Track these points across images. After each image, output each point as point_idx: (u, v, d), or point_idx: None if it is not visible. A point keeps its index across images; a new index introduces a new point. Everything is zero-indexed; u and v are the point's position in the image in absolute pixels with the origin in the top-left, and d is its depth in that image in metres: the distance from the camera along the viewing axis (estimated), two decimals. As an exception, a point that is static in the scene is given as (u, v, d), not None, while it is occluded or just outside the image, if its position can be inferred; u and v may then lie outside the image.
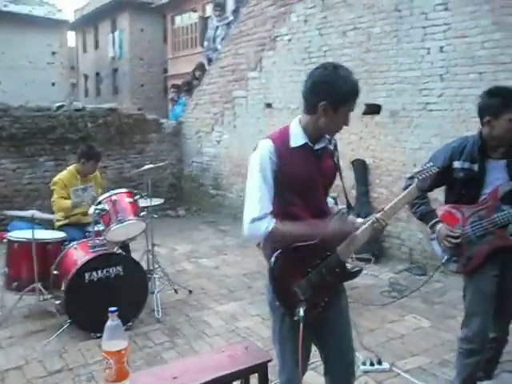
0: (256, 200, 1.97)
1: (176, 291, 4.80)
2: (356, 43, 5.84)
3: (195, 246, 6.58)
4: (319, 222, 2.02)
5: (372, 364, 3.33)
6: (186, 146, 9.07)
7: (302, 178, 2.03)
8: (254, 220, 1.95)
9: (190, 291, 4.84)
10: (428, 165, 2.18)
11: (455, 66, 4.93)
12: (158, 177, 8.48)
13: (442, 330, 3.89)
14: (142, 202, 4.55)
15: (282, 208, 2.04)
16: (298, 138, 2.04)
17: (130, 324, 3.96)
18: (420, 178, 2.10)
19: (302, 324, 1.97)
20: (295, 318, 2.02)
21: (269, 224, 1.95)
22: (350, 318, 2.27)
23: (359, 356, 3.38)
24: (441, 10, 4.99)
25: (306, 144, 2.04)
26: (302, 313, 1.99)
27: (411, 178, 2.69)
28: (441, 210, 2.81)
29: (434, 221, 2.76)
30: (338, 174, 2.19)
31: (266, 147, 2.02)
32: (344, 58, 5.90)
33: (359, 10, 5.75)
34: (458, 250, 2.71)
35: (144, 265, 4.47)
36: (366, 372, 3.29)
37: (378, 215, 2.07)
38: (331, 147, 2.15)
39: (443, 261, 2.80)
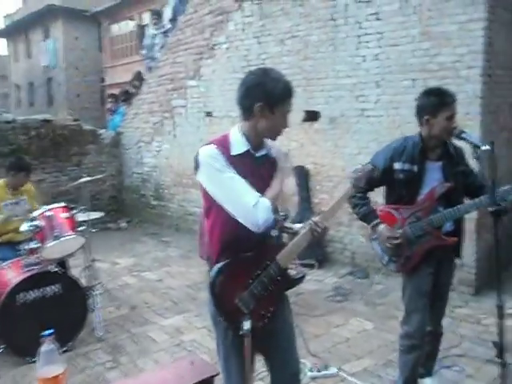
0: (241, 193, 1.92)
1: (118, 307, 4.63)
2: (294, 51, 5.91)
3: (138, 259, 6.41)
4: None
5: (319, 370, 3.34)
6: (126, 156, 8.85)
7: None
8: (256, 205, 1.90)
9: (133, 306, 4.69)
10: (365, 164, 2.24)
11: (389, 73, 5.10)
12: (98, 189, 8.22)
13: (385, 330, 3.98)
14: (81, 216, 4.37)
15: (222, 217, 1.99)
16: (239, 146, 2.01)
17: (69, 344, 3.78)
18: (355, 176, 2.12)
19: (247, 339, 1.92)
20: (240, 333, 1.96)
21: (264, 201, 1.92)
22: (296, 325, 2.26)
23: (306, 363, 3.39)
24: (373, 19, 5.15)
25: (247, 151, 2.01)
26: (246, 327, 1.94)
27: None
28: (380, 210, 2.88)
29: (375, 221, 2.82)
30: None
31: (212, 150, 1.97)
32: (283, 65, 5.96)
33: (296, 19, 5.83)
34: (398, 250, 2.78)
35: (83, 281, 4.29)
36: (313, 378, 3.30)
37: (316, 218, 2.07)
38: (272, 155, 2.13)
39: (383, 261, 2.87)
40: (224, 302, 2.02)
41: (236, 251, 2.01)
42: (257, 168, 2.04)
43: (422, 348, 2.84)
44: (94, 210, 4.70)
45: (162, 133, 8.06)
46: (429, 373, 3.12)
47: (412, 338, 2.79)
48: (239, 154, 2.00)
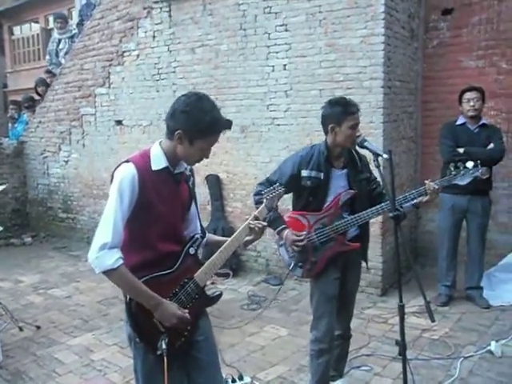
0: (110, 224, 1.84)
1: (21, 329, 4.33)
2: (205, 60, 5.90)
3: (44, 276, 6.04)
4: (158, 297, 1.92)
5: (234, 380, 3.31)
6: (30, 167, 8.34)
7: (162, 201, 1.96)
8: (104, 246, 1.81)
9: (38, 327, 4.40)
10: (276, 184, 2.31)
11: (298, 83, 5.23)
12: (-1, 202, 7.69)
13: (299, 336, 4.04)
14: (-25, 233, 4.05)
15: (138, 233, 1.96)
16: (159, 161, 1.97)
17: (-37, 374, 3.47)
18: (268, 198, 2.20)
19: (165, 358, 1.88)
20: (158, 353, 1.92)
21: (117, 261, 1.82)
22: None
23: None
24: (282, 30, 5.27)
25: (166, 168, 1.99)
26: (164, 346, 1.91)
27: (257, 194, 2.76)
28: (288, 216, 2.93)
29: (281, 227, 2.85)
30: (193, 200, 2.17)
31: (127, 171, 1.90)
32: (194, 74, 5.94)
33: (206, 28, 5.83)
34: (303, 255, 2.84)
35: (-20, 303, 3.97)
36: (228, 389, 3.27)
37: (232, 237, 2.10)
38: (187, 172, 2.13)
39: (290, 267, 2.92)
40: (141, 321, 1.96)
41: (153, 268, 1.97)
42: (175, 185, 2.04)
43: (331, 352, 2.92)
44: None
45: (70, 142, 7.69)
46: (340, 375, 3.21)
47: (321, 343, 2.86)
48: (159, 170, 1.96)
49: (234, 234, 2.12)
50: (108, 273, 1.84)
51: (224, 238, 2.23)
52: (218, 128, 1.96)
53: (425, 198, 2.76)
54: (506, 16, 5.17)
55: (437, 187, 2.74)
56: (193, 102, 1.91)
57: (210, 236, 2.30)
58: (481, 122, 4.52)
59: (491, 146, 4.40)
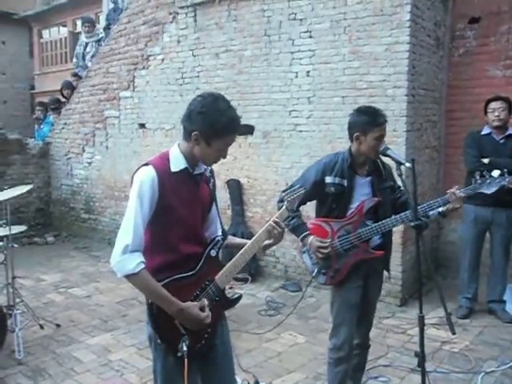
0: (131, 228, 1.86)
1: (42, 326, 4.39)
2: (228, 65, 5.94)
3: (65, 275, 6.12)
4: (178, 303, 1.91)
5: (250, 386, 3.31)
6: (55, 168, 8.49)
7: (182, 203, 1.97)
8: (126, 248, 1.83)
9: (58, 325, 4.47)
10: (296, 186, 2.29)
11: (321, 89, 5.23)
12: (23, 201, 7.83)
13: (316, 344, 4.02)
14: (1, 231, 4.13)
15: (159, 236, 1.97)
16: (178, 163, 1.99)
17: (-16, 369, 3.53)
18: (289, 199, 2.17)
19: (186, 360, 1.89)
20: (179, 355, 1.93)
21: (138, 265, 1.84)
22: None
23: (237, 379, 3.34)
24: (306, 37, 5.27)
25: (185, 169, 2.00)
26: (185, 348, 1.92)
27: (281, 201, 2.76)
28: (311, 223, 2.91)
29: (305, 233, 2.84)
30: (214, 202, 2.18)
31: (147, 174, 1.92)
32: (217, 79, 5.97)
33: (231, 33, 5.87)
34: (327, 262, 2.82)
35: (3, 300, 4.04)
36: (244, 394, 3.27)
37: (252, 240, 2.09)
38: (207, 173, 2.13)
39: (313, 274, 2.90)
40: (162, 323, 1.97)
41: (175, 270, 1.98)
42: (195, 186, 2.05)
43: (349, 361, 2.89)
44: (18, 224, 4.45)
45: (94, 144, 7.81)
46: (357, 384, 3.18)
47: (340, 351, 2.84)
48: (178, 171, 1.98)
49: (255, 237, 2.10)
50: (129, 277, 1.85)
51: (244, 241, 2.23)
52: (235, 128, 1.95)
53: (450, 206, 2.72)
54: (534, 25, 5.09)
55: (463, 195, 2.71)
56: (209, 102, 1.93)
57: (229, 238, 2.30)
58: (507, 133, 4.44)
59: (517, 156, 4.32)
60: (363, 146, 2.73)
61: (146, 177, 1.91)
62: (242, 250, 2.08)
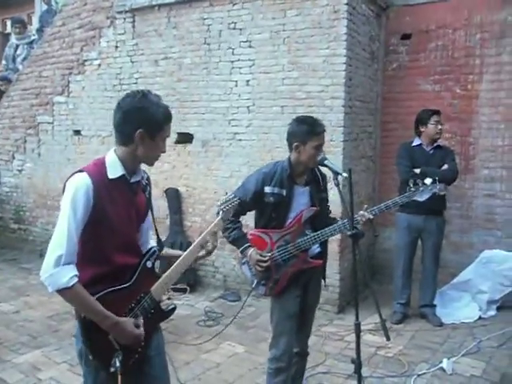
0: (64, 237, 1.78)
1: (-37, 346, 4.10)
2: (168, 72, 5.86)
3: (-9, 289, 5.77)
4: (113, 317, 1.86)
5: (188, 399, 3.24)
6: (-19, 175, 8.02)
7: (118, 213, 1.91)
8: (60, 259, 1.75)
9: (-18, 343, 4.19)
10: (231, 196, 2.29)
11: (260, 99, 5.26)
12: None
13: (256, 353, 4.00)
14: None
15: (92, 246, 1.89)
16: (115, 170, 1.93)
17: None
18: (224, 210, 2.19)
19: (120, 376, 1.82)
20: (111, 370, 1.86)
21: (72, 279, 1.76)
22: (166, 353, 2.20)
23: (175, 392, 3.27)
24: (246, 46, 5.30)
25: (123, 176, 1.94)
26: (118, 363, 1.85)
27: (218, 213, 2.74)
28: (251, 234, 2.91)
29: (245, 245, 2.84)
30: (149, 211, 2.12)
31: (81, 182, 1.84)
32: (156, 86, 5.86)
33: (170, 40, 5.80)
34: (267, 273, 2.82)
35: None
36: (181, 408, 3.19)
37: (186, 252, 2.09)
38: (144, 182, 2.09)
39: (253, 285, 2.89)
40: (95, 338, 1.89)
41: (109, 282, 1.90)
42: (131, 194, 1.99)
43: (289, 370, 2.89)
44: None
45: (25, 151, 7.44)
46: (296, 393, 3.18)
47: (279, 361, 2.83)
48: (115, 179, 1.92)
49: (190, 248, 2.11)
50: (62, 292, 1.77)
51: (179, 252, 2.22)
52: (171, 116, 1.98)
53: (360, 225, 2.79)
54: (459, 44, 5.38)
55: (371, 216, 2.80)
56: (141, 98, 1.92)
57: (165, 249, 2.26)
58: (435, 144, 4.66)
59: (445, 166, 4.54)
60: (302, 155, 2.75)
61: (81, 184, 1.84)
62: (176, 262, 2.06)
